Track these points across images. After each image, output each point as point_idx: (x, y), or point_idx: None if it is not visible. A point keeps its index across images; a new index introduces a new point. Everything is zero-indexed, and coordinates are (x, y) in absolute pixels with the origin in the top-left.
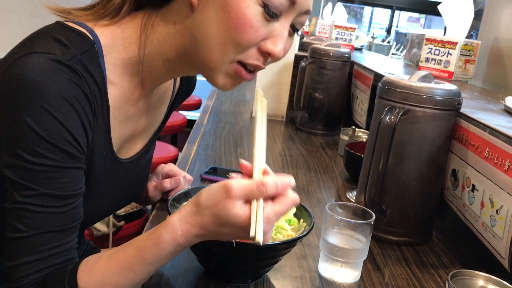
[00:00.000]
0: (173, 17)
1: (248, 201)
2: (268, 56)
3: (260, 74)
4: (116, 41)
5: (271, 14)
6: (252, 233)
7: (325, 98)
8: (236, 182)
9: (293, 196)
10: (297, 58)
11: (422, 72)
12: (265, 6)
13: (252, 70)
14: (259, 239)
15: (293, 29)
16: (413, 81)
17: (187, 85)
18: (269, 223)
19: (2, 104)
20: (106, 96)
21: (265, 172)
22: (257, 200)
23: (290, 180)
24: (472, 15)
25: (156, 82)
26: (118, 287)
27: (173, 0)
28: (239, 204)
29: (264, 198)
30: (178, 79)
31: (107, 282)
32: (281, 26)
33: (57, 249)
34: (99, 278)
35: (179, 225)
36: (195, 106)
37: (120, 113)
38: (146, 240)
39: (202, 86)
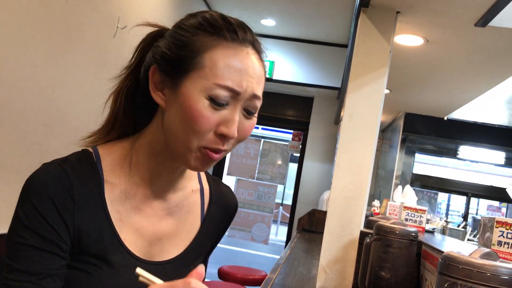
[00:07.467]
0: (155, 123)
1: None
2: (225, 139)
3: (324, 249)
4: (112, 150)
5: (218, 105)
6: None
7: (392, 277)
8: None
9: None
10: (362, 235)
11: (484, 249)
12: (211, 100)
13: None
14: None
15: (248, 112)
16: (474, 257)
17: (222, 200)
18: None
19: None
20: (103, 195)
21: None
22: None
23: None
24: None
25: (156, 181)
26: None
27: (156, 114)
28: None
29: None
30: (207, 193)
31: None
32: (231, 112)
33: None
34: None
35: None
36: (259, 282)
37: (125, 209)
38: None
39: (268, 261)
